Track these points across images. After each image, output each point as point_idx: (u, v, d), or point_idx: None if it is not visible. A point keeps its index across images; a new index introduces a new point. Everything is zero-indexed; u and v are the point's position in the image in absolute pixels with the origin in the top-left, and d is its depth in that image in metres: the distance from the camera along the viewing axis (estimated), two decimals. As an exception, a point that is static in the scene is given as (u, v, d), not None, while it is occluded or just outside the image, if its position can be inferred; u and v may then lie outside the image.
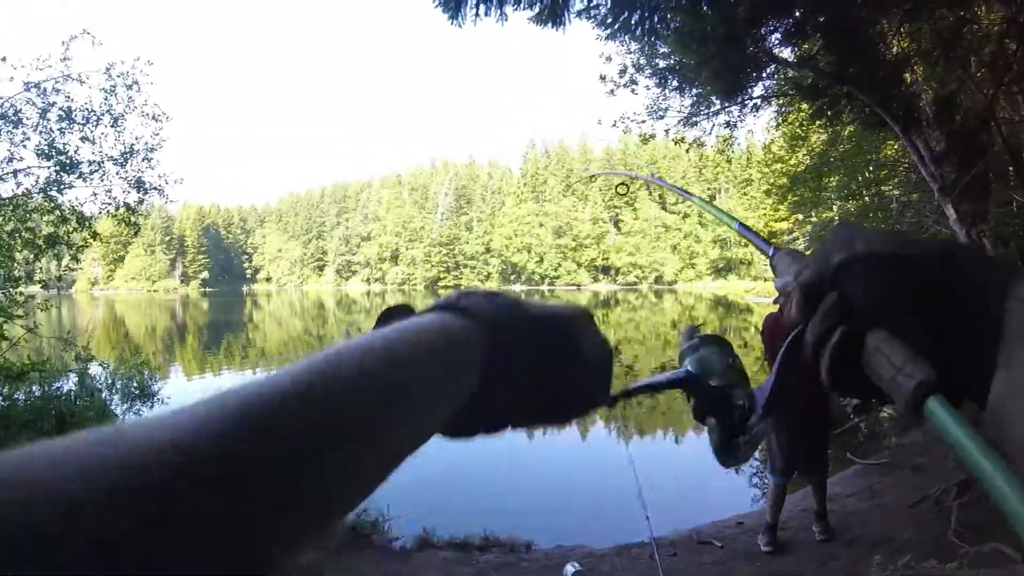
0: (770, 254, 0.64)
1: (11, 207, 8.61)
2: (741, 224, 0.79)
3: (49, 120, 9.20)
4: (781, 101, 11.89)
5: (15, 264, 8.02)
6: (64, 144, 9.33)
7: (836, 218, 25.52)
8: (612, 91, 11.84)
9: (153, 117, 10.32)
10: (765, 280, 52.30)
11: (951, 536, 4.07)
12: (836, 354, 0.44)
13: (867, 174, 15.65)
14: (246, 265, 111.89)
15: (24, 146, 9.12)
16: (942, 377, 0.39)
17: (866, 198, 16.48)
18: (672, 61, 10.51)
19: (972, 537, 3.89)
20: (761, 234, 0.73)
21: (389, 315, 0.45)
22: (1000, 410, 0.38)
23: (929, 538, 4.26)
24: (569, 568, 4.36)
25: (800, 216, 34.34)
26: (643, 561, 4.70)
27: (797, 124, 16.04)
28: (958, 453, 0.36)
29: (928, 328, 0.42)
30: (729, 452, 0.59)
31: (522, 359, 0.46)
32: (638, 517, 3.33)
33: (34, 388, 7.72)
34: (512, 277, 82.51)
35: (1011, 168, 7.15)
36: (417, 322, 0.42)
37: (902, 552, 3.87)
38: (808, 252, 0.54)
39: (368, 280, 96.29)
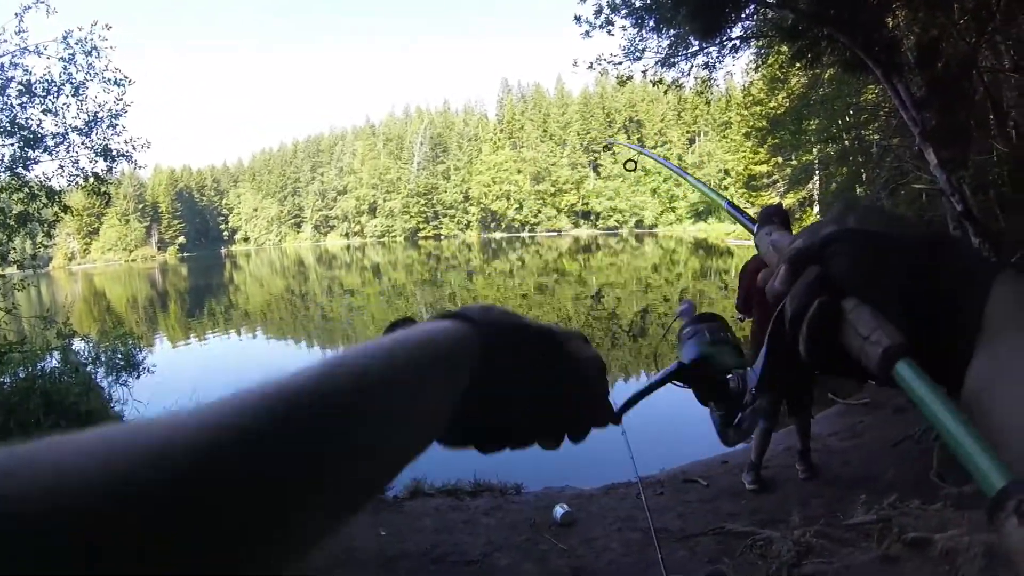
0: (754, 231, 0.64)
1: (-22, 188, 8.40)
2: (729, 202, 0.81)
3: (9, 96, 8.91)
4: (760, 43, 11.72)
5: (-13, 246, 7.88)
6: (26, 119, 9.07)
7: (816, 161, 25.58)
8: (588, 32, 11.60)
9: (115, 82, 10.01)
10: (745, 222, 52.69)
11: (932, 477, 4.20)
12: (814, 326, 0.43)
13: (847, 118, 15.64)
14: (223, 227, 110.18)
15: (-15, 125, 8.84)
16: (913, 345, 0.39)
17: (846, 142, 16.51)
18: (648, 0, 10.32)
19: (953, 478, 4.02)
20: (747, 212, 0.75)
21: (394, 327, 0.47)
22: (980, 397, 0.38)
23: (910, 477, 4.40)
24: (558, 509, 4.49)
25: (780, 159, 34.40)
26: (630, 500, 4.85)
27: (777, 66, 15.92)
28: (926, 414, 0.36)
29: (907, 309, 0.42)
30: (729, 433, 0.62)
31: (514, 363, 0.48)
32: (625, 457, 3.42)
33: (18, 371, 7.69)
34: (492, 225, 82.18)
35: (992, 117, 7.16)
36: (418, 327, 0.45)
37: (885, 491, 4.00)
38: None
39: (347, 234, 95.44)
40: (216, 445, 0.26)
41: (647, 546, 3.90)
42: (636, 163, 1.28)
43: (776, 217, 4.55)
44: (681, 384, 0.63)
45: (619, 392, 0.64)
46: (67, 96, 9.47)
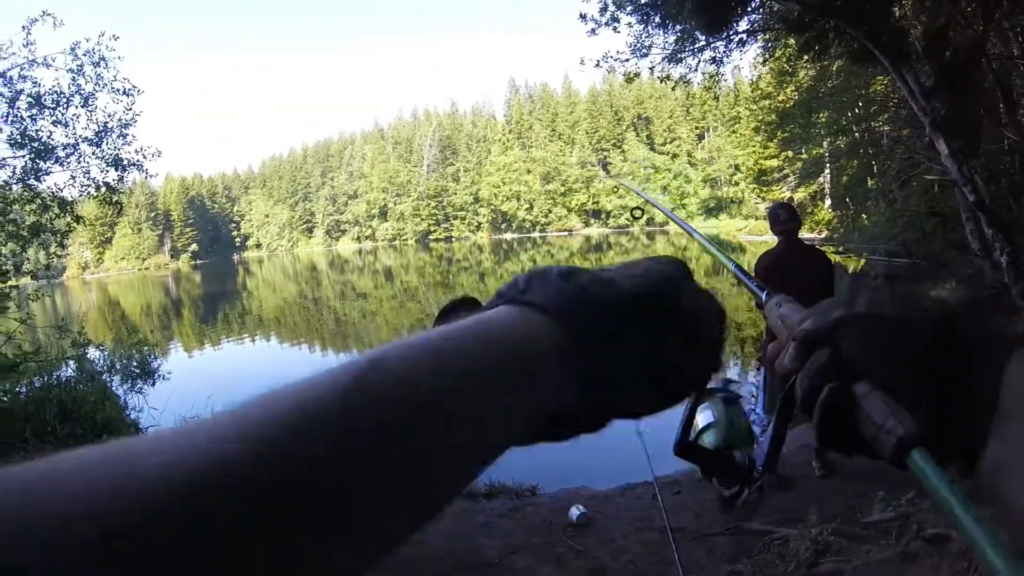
0: (764, 299, 0.62)
1: (-10, 200, 8.50)
2: (737, 266, 0.77)
3: (19, 108, 9.02)
4: (767, 36, 11.70)
5: (2, 257, 7.96)
6: (37, 131, 9.18)
7: (826, 155, 25.42)
8: (594, 30, 11.61)
9: (124, 92, 10.17)
10: (756, 219, 52.15)
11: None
12: (826, 411, 0.43)
13: (857, 110, 15.55)
14: (235, 233, 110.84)
15: (-4, 138, 8.95)
16: (929, 434, 0.39)
17: (856, 134, 16.41)
18: (654, -4, 10.32)
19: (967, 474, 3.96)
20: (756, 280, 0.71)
21: (451, 310, 0.42)
22: (994, 481, 0.38)
23: (926, 473, 4.34)
24: (574, 510, 4.48)
25: (790, 153, 34.23)
26: (647, 500, 4.81)
27: (784, 59, 15.88)
28: (940, 506, 0.36)
29: (922, 392, 0.41)
30: (734, 507, 0.60)
31: (619, 351, 0.38)
32: (641, 457, 3.41)
33: (34, 380, 7.76)
34: (503, 226, 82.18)
35: (1002, 105, 7.07)
36: (476, 323, 0.35)
37: (903, 488, 3.96)
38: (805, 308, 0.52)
39: (358, 238, 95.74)
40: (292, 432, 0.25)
41: (664, 546, 3.87)
42: (643, 211, 1.25)
43: (784, 211, 4.49)
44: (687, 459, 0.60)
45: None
46: (76, 107, 9.61)
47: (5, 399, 7.04)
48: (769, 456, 0.55)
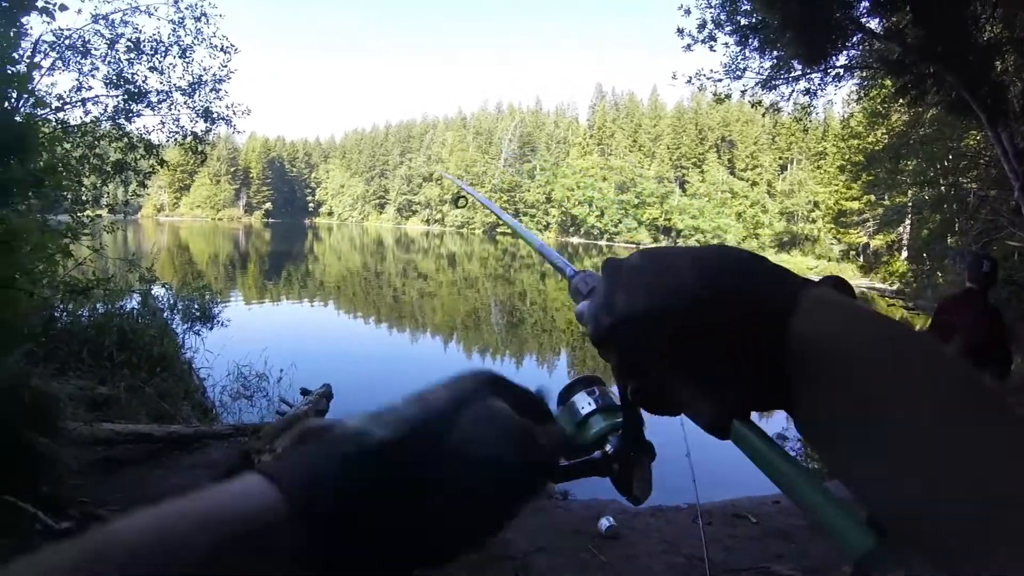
0: (570, 276, 0.62)
1: (80, 134, 8.91)
2: (542, 243, 0.78)
3: (117, 51, 9.46)
4: (864, 74, 11.34)
5: (83, 189, 8.35)
6: (132, 74, 9.59)
7: (909, 204, 24.40)
8: (689, 46, 11.51)
9: (221, 49, 10.51)
10: (829, 260, 50.47)
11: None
12: (644, 404, 0.45)
13: (946, 162, 14.89)
14: (309, 198, 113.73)
15: (93, 76, 9.41)
16: (740, 400, 0.40)
17: (942, 187, 15.72)
18: (754, 19, 10.16)
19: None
20: (563, 255, 0.73)
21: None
22: (819, 438, 0.37)
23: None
24: (604, 521, 4.48)
25: (872, 197, 32.95)
26: (678, 524, 4.79)
27: (879, 100, 15.31)
28: (764, 471, 0.37)
29: (732, 368, 0.39)
30: (634, 497, 0.57)
31: (359, 522, 0.33)
32: (679, 480, 3.37)
33: (98, 306, 8.08)
34: (571, 229, 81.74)
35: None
36: (212, 497, 0.31)
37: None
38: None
39: (428, 220, 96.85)
40: None
41: (690, 572, 3.86)
42: (467, 200, 1.23)
43: (989, 263, 4.28)
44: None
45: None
46: (174, 57, 9.99)
47: (67, 319, 7.39)
48: (626, 440, 0.53)
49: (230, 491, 0.32)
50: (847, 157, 31.66)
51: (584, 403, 0.58)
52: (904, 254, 34.55)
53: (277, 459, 0.35)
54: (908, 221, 29.39)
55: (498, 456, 0.38)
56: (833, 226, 48.01)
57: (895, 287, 30.66)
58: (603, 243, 76.30)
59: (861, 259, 45.83)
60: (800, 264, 53.02)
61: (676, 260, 0.41)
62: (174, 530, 0.29)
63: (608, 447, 0.54)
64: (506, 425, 0.40)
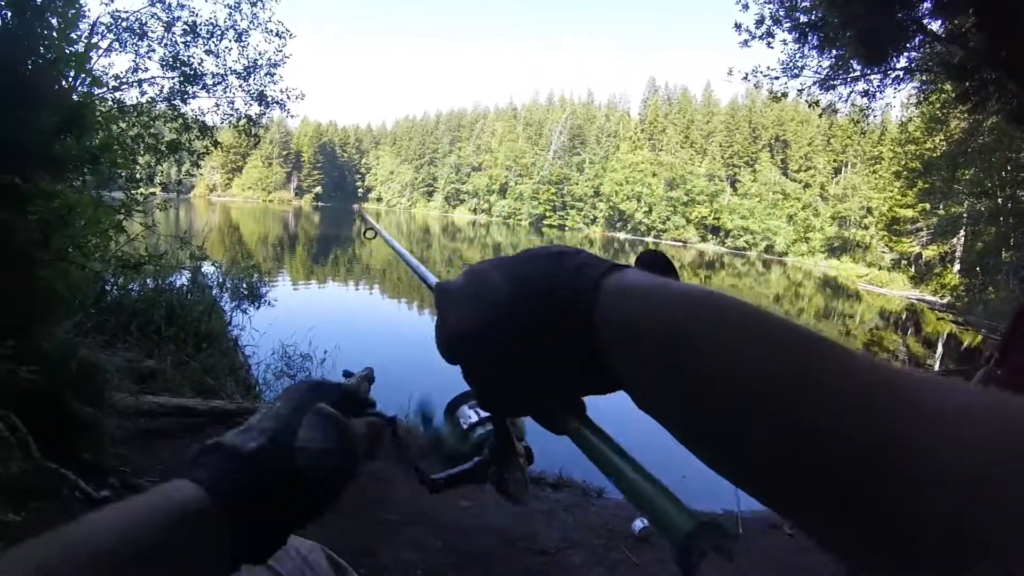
0: (433, 285, 0.65)
1: (135, 114, 9.16)
2: (409, 256, 0.82)
3: (174, 34, 9.69)
4: (924, 78, 10.97)
5: (137, 167, 8.58)
6: (188, 57, 9.82)
7: (964, 215, 23.51)
8: (746, 42, 11.31)
9: (277, 34, 10.68)
10: (880, 268, 49.02)
11: None
12: (490, 410, 0.61)
13: (1004, 173, 14.33)
14: (358, 184, 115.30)
15: (149, 57, 9.68)
16: (568, 397, 0.45)
17: (999, 199, 15.11)
18: (814, 16, 9.92)
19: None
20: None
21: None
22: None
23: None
24: (638, 522, 4.44)
25: (927, 206, 31.83)
26: None
27: (938, 105, 14.78)
28: (597, 466, 0.41)
29: (535, 359, 0.43)
30: (510, 492, 0.62)
31: (265, 516, 0.49)
32: (719, 486, 3.34)
33: (148, 281, 8.31)
34: (618, 224, 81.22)
35: None
36: (149, 499, 0.44)
37: None
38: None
39: (475, 210, 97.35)
40: None
41: None
42: (376, 233, 1.21)
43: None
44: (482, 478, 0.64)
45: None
46: (229, 40, 10.19)
47: (118, 292, 7.62)
48: (497, 446, 0.61)
49: (170, 490, 0.46)
50: (903, 163, 30.73)
51: (468, 414, 0.66)
52: (956, 267, 33.40)
53: (190, 468, 0.49)
54: (962, 232, 28.41)
55: (328, 447, 0.54)
56: (886, 233, 46.67)
57: (945, 300, 29.64)
58: (650, 239, 75.67)
59: (912, 269, 44.40)
60: (850, 271, 51.70)
61: (493, 275, 0.46)
62: (127, 522, 0.41)
63: (485, 453, 0.62)
64: (329, 422, 0.55)
